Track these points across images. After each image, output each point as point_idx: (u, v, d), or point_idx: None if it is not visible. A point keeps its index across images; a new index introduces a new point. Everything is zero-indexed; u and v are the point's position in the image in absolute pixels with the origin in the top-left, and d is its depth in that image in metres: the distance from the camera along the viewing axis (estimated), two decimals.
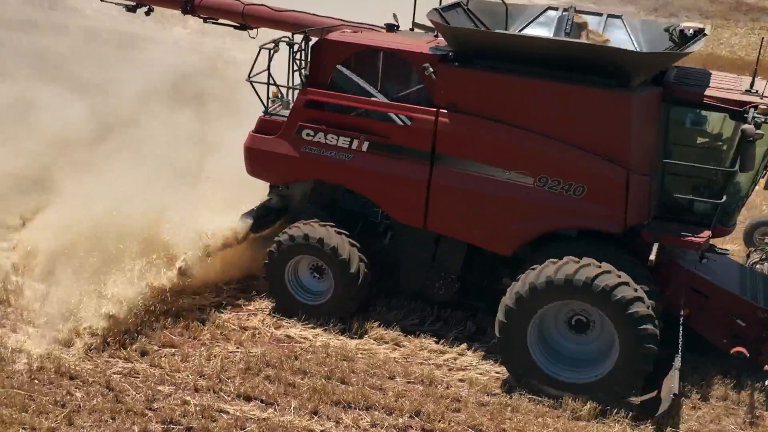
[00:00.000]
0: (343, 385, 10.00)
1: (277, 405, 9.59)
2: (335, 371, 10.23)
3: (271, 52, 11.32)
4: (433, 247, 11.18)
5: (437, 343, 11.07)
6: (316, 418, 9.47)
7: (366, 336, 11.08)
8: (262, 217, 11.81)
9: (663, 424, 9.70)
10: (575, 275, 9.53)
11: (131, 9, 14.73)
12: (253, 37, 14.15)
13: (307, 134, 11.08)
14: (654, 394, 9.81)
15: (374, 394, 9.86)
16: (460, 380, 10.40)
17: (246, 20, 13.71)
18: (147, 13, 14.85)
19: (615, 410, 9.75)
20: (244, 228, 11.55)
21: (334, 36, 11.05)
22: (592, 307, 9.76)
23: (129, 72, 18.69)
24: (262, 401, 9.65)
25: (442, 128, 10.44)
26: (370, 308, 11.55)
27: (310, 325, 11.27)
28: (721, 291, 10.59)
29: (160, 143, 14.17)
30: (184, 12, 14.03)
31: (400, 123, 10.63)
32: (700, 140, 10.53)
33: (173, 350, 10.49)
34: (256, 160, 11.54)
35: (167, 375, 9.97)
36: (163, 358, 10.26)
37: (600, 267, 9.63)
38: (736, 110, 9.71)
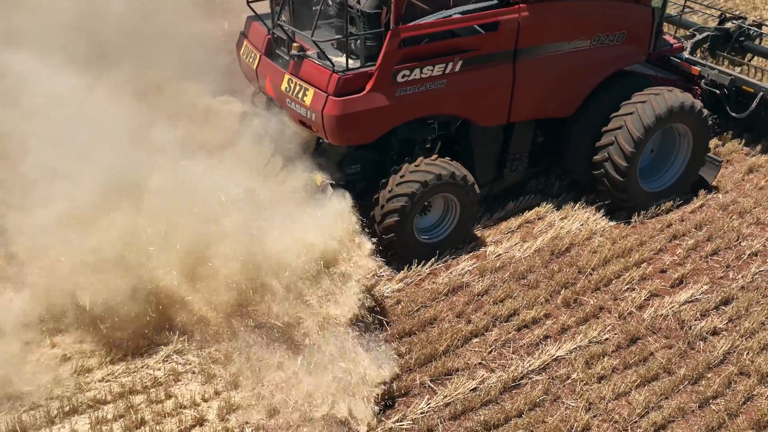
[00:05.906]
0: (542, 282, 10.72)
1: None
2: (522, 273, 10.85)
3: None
4: (503, 136, 11.67)
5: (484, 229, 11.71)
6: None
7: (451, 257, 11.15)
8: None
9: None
10: (686, 101, 11.54)
11: None
12: None
13: (403, 75, 10.16)
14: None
15: (568, 278, 10.79)
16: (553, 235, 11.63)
17: None
18: None
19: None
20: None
21: None
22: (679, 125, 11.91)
23: None
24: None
25: (524, 22, 10.71)
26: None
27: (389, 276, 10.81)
28: (663, 79, 13.35)
29: None
30: None
31: (484, 32, 10.56)
32: None
33: None
34: (349, 125, 10.13)
35: None
36: None
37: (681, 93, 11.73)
38: None
